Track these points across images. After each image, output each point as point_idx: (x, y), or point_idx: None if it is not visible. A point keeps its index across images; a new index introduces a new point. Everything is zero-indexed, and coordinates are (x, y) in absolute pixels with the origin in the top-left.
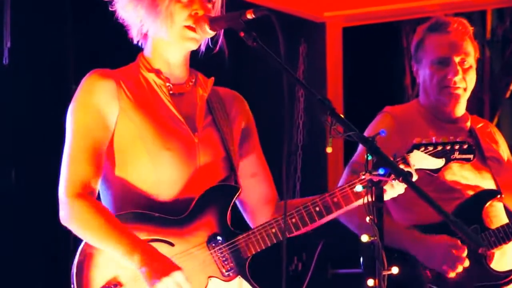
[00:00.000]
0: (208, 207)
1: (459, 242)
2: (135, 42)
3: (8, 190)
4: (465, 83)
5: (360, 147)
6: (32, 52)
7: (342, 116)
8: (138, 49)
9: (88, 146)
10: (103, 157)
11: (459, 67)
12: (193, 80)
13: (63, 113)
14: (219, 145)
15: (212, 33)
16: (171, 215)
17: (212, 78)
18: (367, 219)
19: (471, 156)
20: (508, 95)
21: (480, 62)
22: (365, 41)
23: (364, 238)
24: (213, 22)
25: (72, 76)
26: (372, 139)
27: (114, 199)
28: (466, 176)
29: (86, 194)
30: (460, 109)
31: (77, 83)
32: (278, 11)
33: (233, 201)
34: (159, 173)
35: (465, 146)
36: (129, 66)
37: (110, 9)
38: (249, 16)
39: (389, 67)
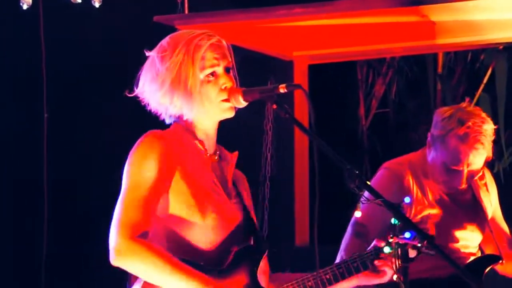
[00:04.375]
0: (242, 264)
1: None
2: (168, 122)
3: None
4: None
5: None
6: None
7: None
8: (112, 78)
9: (141, 196)
10: (153, 209)
11: (465, 176)
12: (218, 152)
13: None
14: (243, 214)
15: (245, 104)
16: (211, 265)
17: (236, 152)
18: (395, 277)
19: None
20: None
21: (433, 94)
22: (326, 75)
23: None
24: (246, 94)
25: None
26: (398, 205)
27: (160, 238)
28: (471, 237)
29: (140, 236)
30: None
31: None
32: (252, 50)
33: (260, 262)
34: (206, 229)
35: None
36: (173, 132)
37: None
38: (282, 90)
39: (345, 98)
